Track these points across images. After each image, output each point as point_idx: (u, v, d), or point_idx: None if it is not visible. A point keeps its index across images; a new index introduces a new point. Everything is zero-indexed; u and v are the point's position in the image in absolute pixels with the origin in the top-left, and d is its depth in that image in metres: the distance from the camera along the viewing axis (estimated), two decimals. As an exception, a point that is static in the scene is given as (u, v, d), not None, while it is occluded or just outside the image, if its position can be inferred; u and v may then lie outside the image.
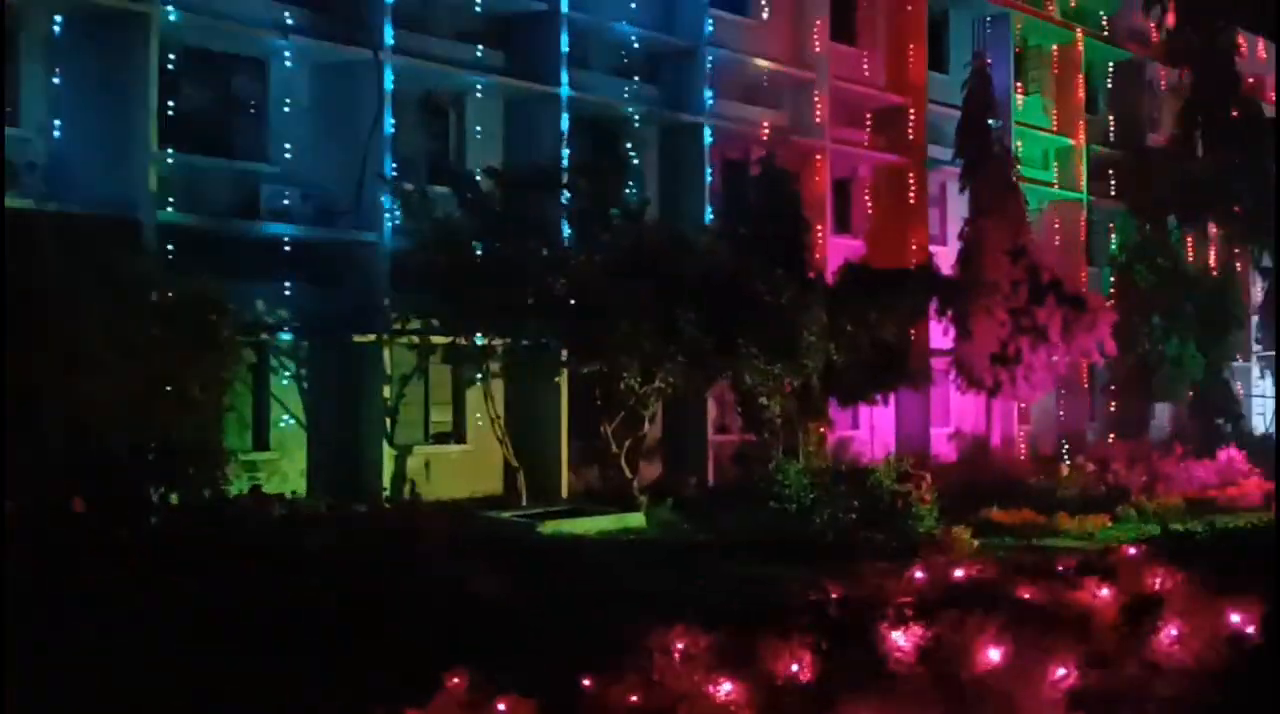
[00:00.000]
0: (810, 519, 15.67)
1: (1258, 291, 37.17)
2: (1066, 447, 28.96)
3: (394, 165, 19.11)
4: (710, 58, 23.63)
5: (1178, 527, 15.17)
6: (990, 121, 26.67)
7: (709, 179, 23.20)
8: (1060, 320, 25.09)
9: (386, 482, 18.69)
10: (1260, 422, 37.29)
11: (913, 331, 24.55)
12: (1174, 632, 8.52)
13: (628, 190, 20.83)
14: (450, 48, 20.82)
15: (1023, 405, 28.97)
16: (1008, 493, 20.61)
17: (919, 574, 10.33)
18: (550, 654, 8.43)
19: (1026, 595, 9.36)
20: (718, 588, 12.06)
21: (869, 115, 27.76)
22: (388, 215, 18.97)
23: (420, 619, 9.45)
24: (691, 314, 16.95)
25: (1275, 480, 21.77)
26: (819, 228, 25.12)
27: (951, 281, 23.22)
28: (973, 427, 28.14)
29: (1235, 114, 31.29)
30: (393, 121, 19.03)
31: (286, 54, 18.65)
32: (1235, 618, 8.79)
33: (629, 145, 22.36)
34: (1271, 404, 38.98)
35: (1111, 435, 31.42)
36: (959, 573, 10.42)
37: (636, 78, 23.10)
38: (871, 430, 27.46)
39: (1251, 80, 37.29)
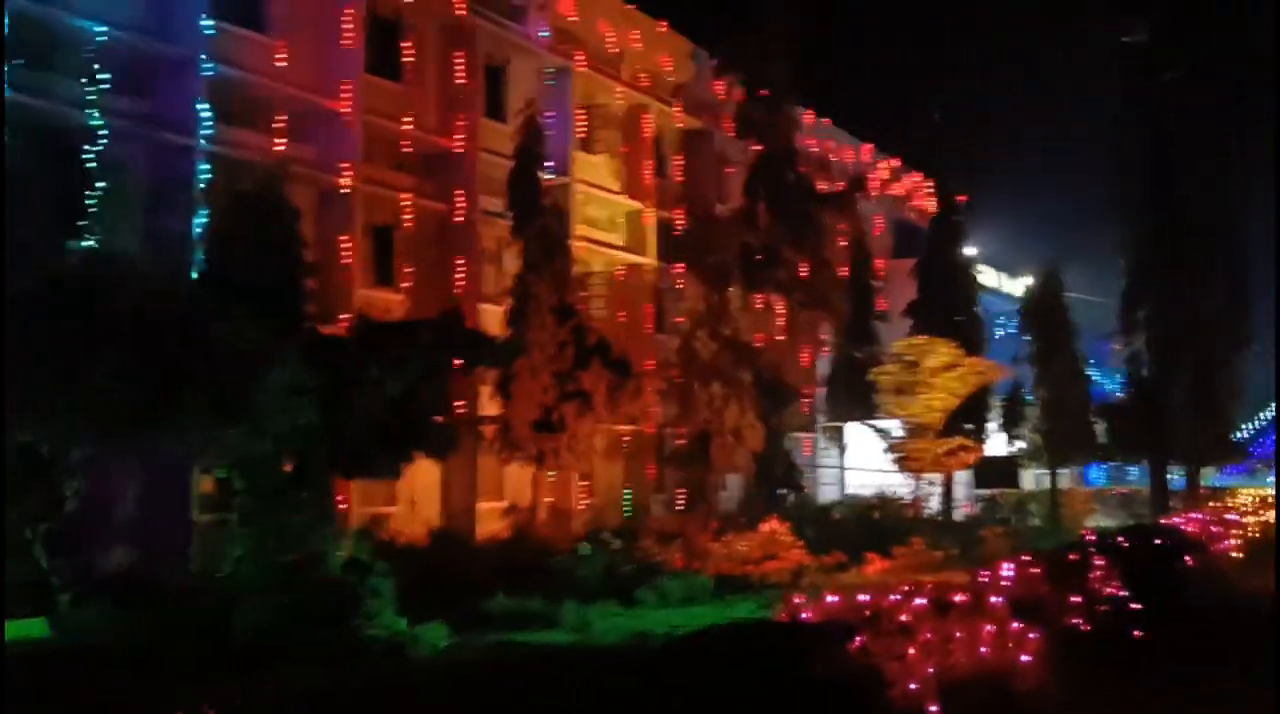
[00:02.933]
0: (229, 618, 12.70)
1: (823, 364, 38.03)
2: (632, 520, 27.58)
3: None
4: (212, 73, 20.48)
5: None
6: (542, 174, 25.14)
7: (203, 212, 19.90)
8: (605, 386, 23.66)
9: None
10: (825, 491, 37.97)
11: (449, 394, 22.13)
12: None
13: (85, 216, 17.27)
14: None
15: (581, 478, 27.37)
16: (529, 576, 18.58)
17: None
18: None
19: None
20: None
21: (415, 158, 25.43)
22: None
23: None
24: (111, 365, 13.53)
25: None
26: (346, 277, 22.43)
27: (481, 338, 21.06)
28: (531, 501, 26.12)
29: (792, 188, 31.62)
30: None
31: None
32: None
33: (94, 165, 18.67)
34: (836, 474, 40.08)
35: (679, 505, 30.52)
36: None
37: (113, 87, 19.42)
38: (412, 506, 24.79)
39: (818, 152, 38.65)
